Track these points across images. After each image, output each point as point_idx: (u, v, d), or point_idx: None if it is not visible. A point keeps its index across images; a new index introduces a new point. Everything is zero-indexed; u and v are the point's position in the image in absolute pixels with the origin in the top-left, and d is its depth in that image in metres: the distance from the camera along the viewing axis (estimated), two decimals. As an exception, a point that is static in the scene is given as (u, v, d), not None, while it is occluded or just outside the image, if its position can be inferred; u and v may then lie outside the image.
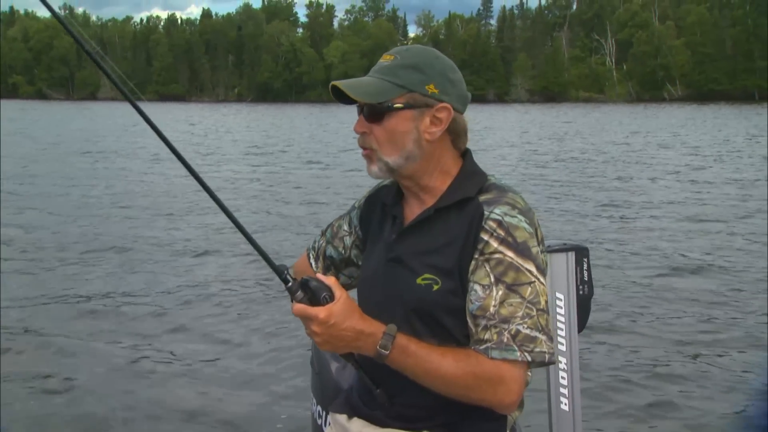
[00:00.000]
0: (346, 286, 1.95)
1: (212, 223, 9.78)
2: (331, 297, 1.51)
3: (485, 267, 1.56)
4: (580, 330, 2.13)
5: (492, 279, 1.55)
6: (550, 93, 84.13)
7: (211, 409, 4.34)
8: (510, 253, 1.55)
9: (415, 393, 1.59)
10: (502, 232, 1.56)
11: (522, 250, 1.55)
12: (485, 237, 1.57)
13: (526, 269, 1.55)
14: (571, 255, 2.12)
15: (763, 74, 71.62)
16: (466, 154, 1.74)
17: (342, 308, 1.50)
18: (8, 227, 9.67)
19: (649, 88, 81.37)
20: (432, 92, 1.62)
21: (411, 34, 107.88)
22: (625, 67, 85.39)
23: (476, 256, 1.58)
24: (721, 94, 73.07)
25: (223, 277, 7.37)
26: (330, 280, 1.53)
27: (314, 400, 2.33)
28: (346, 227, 1.91)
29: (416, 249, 1.67)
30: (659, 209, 11.63)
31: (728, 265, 7.78)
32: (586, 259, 2.12)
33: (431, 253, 1.64)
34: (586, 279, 2.12)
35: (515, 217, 1.58)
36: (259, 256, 1.58)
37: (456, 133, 1.68)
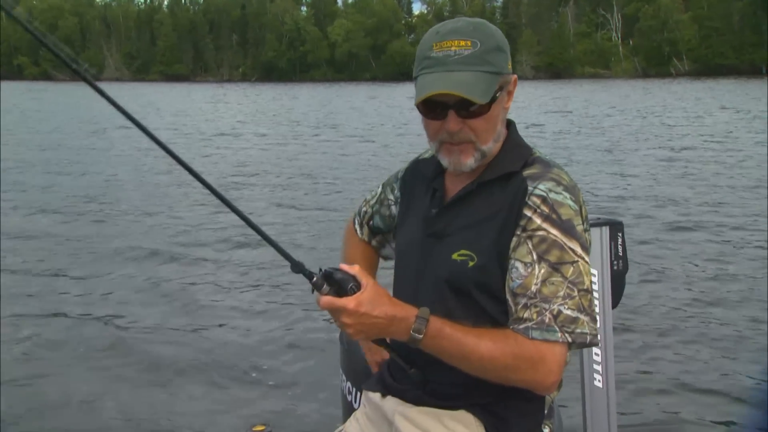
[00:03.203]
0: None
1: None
2: (358, 286, 1.46)
3: (527, 244, 1.52)
4: (614, 306, 2.11)
5: (534, 257, 1.51)
6: (555, 69, 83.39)
7: (236, 390, 4.33)
8: (554, 231, 1.51)
9: (451, 371, 1.55)
10: (546, 209, 1.52)
11: (567, 229, 1.51)
12: (528, 213, 1.53)
13: (570, 248, 1.51)
14: (605, 230, 2.09)
15: (770, 48, 70.86)
16: (510, 125, 1.69)
17: (371, 295, 1.45)
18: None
19: (655, 64, 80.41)
20: (510, 68, 1.60)
21: (415, 12, 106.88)
22: (631, 42, 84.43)
23: (518, 232, 1.54)
24: (727, 69, 72.21)
25: (237, 255, 7.38)
26: (354, 269, 1.47)
27: (343, 377, 2.32)
28: (391, 197, 1.89)
29: (456, 224, 1.63)
30: (692, 184, 11.56)
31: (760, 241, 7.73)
32: (620, 234, 2.08)
33: (471, 228, 1.60)
34: (620, 254, 2.09)
35: (560, 194, 1.54)
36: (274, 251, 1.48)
37: None
